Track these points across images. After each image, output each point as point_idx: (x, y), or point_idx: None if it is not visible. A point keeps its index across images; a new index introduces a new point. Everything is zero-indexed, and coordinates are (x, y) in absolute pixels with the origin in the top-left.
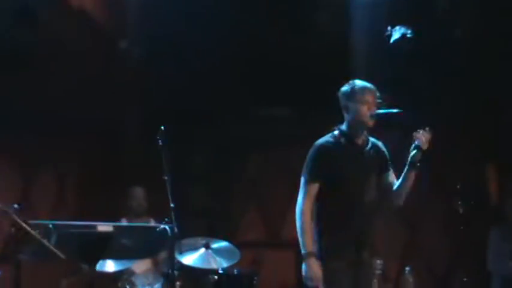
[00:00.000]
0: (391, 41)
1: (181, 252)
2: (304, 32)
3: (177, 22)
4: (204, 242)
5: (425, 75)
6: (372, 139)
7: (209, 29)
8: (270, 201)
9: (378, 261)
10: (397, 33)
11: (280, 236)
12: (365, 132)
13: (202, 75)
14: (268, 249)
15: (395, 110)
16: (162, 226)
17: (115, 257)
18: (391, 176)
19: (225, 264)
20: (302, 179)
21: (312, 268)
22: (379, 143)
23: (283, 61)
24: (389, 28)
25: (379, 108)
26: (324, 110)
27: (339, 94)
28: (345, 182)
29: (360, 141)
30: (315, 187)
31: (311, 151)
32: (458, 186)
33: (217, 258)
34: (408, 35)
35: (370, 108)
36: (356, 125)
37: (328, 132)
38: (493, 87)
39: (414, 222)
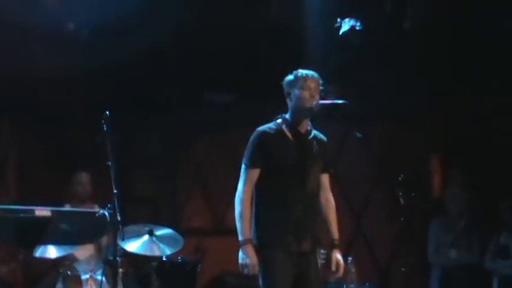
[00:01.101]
0: (340, 32)
1: (123, 239)
2: (256, 21)
3: (126, 5)
4: (147, 228)
5: (373, 68)
6: (315, 132)
7: (158, 13)
8: (215, 187)
9: (322, 251)
10: (346, 25)
11: (224, 223)
12: (308, 122)
13: (148, 60)
14: (212, 236)
15: (340, 101)
16: (101, 212)
17: (54, 242)
18: (325, 180)
19: (168, 252)
20: (242, 165)
21: (248, 255)
22: (324, 138)
23: (233, 48)
24: (338, 20)
25: (324, 99)
26: (272, 98)
27: (283, 83)
28: (284, 170)
29: (302, 129)
30: (255, 173)
31: (252, 137)
32: (400, 178)
33: (161, 246)
34: (357, 27)
35: (312, 95)
36: (298, 112)
37: (273, 120)
38: (441, 80)
39: (359, 212)
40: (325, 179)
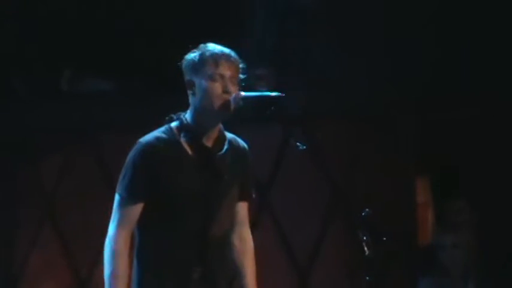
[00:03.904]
0: None
1: None
2: None
3: None
4: None
5: (328, 44)
6: (231, 137)
7: None
8: (75, 230)
9: None
10: None
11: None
12: (220, 127)
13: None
14: None
15: (274, 94)
16: None
17: None
18: (242, 210)
19: None
20: (116, 197)
21: None
22: (243, 145)
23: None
24: None
25: (250, 89)
26: (173, 87)
27: (183, 64)
28: (180, 205)
29: (209, 141)
30: (135, 210)
31: (131, 155)
32: (365, 212)
33: None
34: None
35: (227, 88)
36: (204, 115)
37: (161, 124)
38: (430, 65)
39: (304, 264)
40: (242, 209)
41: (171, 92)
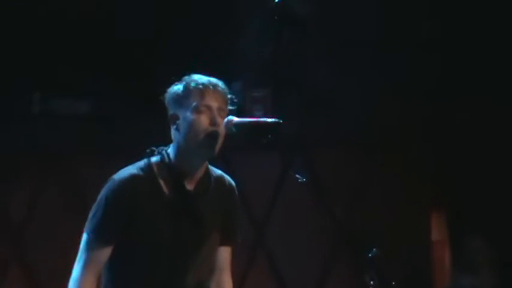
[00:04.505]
0: None
1: None
2: None
3: None
4: None
5: (329, 65)
6: (218, 175)
7: None
8: (45, 268)
9: None
10: None
11: None
12: (205, 166)
13: None
14: None
15: (271, 120)
16: None
17: None
18: (224, 255)
19: None
20: (84, 236)
21: None
22: (230, 183)
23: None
24: None
25: (243, 115)
26: (157, 110)
27: (166, 97)
28: (153, 253)
29: (192, 182)
30: (103, 252)
31: (103, 193)
32: (372, 252)
33: None
34: None
35: (214, 120)
36: (188, 152)
37: (141, 150)
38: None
39: None
40: (224, 254)
41: (152, 113)
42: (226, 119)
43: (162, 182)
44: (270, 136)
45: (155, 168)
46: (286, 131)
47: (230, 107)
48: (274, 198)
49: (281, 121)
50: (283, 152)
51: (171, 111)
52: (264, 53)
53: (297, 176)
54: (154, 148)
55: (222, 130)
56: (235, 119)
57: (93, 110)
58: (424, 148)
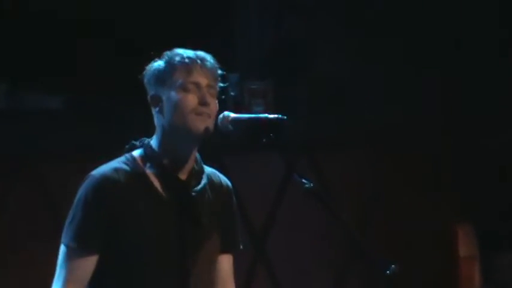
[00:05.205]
0: None
1: None
2: None
3: None
4: None
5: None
6: (210, 172)
7: None
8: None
9: None
10: None
11: None
12: (195, 156)
13: None
14: None
15: (273, 116)
16: None
17: None
18: (225, 265)
19: None
20: (62, 249)
21: None
22: (226, 182)
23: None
24: None
25: (241, 110)
26: (138, 105)
27: (145, 77)
28: (145, 259)
29: (184, 172)
30: (86, 264)
31: (81, 192)
32: (388, 270)
33: None
34: None
35: (203, 99)
36: (176, 137)
37: (124, 151)
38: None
39: None
40: (226, 263)
41: (135, 110)
42: (221, 115)
43: (150, 175)
44: (271, 135)
45: (139, 161)
46: (290, 129)
47: (221, 84)
48: (276, 205)
49: (284, 117)
50: (287, 153)
51: (151, 92)
52: (264, 38)
53: (302, 180)
54: (134, 142)
55: (212, 110)
56: (232, 115)
57: (68, 105)
58: (446, 154)
